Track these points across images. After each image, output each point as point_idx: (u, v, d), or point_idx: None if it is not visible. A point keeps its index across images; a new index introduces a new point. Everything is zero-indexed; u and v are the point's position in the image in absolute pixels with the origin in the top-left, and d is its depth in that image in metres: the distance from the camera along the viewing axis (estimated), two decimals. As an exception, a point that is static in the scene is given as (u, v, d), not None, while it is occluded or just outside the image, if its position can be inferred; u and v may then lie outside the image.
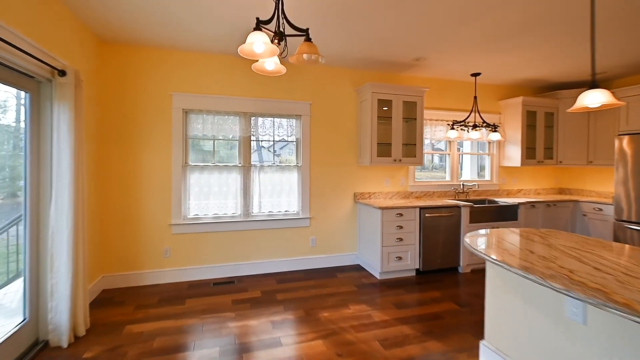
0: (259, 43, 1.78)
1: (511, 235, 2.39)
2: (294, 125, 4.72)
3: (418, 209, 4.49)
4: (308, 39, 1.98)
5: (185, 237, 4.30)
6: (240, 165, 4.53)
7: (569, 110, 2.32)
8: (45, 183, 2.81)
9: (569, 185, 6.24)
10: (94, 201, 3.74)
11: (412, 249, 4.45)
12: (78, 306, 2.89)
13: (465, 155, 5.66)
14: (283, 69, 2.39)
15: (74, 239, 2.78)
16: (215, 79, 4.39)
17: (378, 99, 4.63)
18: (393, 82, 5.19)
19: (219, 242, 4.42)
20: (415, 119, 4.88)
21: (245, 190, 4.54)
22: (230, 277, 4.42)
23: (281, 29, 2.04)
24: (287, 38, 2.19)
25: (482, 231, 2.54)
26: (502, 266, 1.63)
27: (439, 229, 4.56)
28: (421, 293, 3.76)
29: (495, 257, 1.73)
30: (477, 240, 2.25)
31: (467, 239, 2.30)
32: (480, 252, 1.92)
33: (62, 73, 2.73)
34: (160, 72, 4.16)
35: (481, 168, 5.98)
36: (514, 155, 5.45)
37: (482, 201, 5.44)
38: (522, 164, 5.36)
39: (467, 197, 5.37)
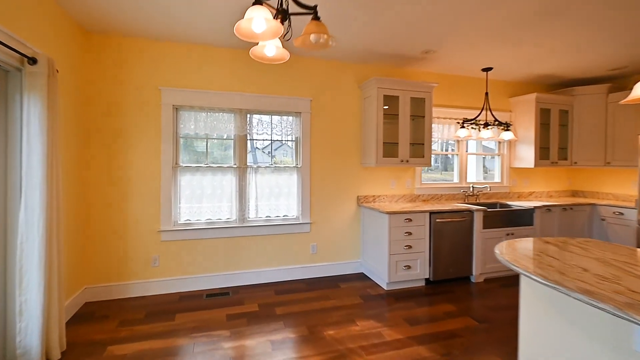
0: (259, 19, 1.49)
1: (549, 247, 2.11)
2: (292, 123, 4.43)
3: (428, 214, 4.21)
4: (316, 18, 1.68)
5: (175, 245, 3.98)
6: (235, 166, 4.23)
7: (622, 101, 2.05)
8: (13, 185, 2.50)
9: (583, 188, 5.99)
10: (74, 205, 3.42)
11: (421, 257, 4.17)
12: (52, 326, 2.57)
13: (469, 155, 5.39)
14: (286, 55, 2.10)
15: (47, 249, 2.47)
16: (208, 73, 4.09)
17: (384, 95, 4.35)
18: (399, 77, 4.92)
19: (212, 249, 4.11)
20: (423, 116, 4.61)
21: (240, 193, 4.24)
22: (224, 287, 4.11)
23: (284, 7, 1.73)
24: (290, 18, 1.90)
25: (515, 242, 2.25)
26: (556, 288, 1.34)
27: (450, 235, 4.28)
28: (434, 306, 3.47)
29: (545, 278, 1.44)
30: (509, 250, 1.97)
31: (498, 249, 2.02)
32: (524, 270, 1.63)
33: (33, 61, 2.42)
34: (148, 65, 3.86)
35: (485, 169, 5.71)
36: (526, 155, 5.20)
37: (494, 205, 5.18)
38: (535, 165, 5.10)
39: (477, 201, 5.10)
